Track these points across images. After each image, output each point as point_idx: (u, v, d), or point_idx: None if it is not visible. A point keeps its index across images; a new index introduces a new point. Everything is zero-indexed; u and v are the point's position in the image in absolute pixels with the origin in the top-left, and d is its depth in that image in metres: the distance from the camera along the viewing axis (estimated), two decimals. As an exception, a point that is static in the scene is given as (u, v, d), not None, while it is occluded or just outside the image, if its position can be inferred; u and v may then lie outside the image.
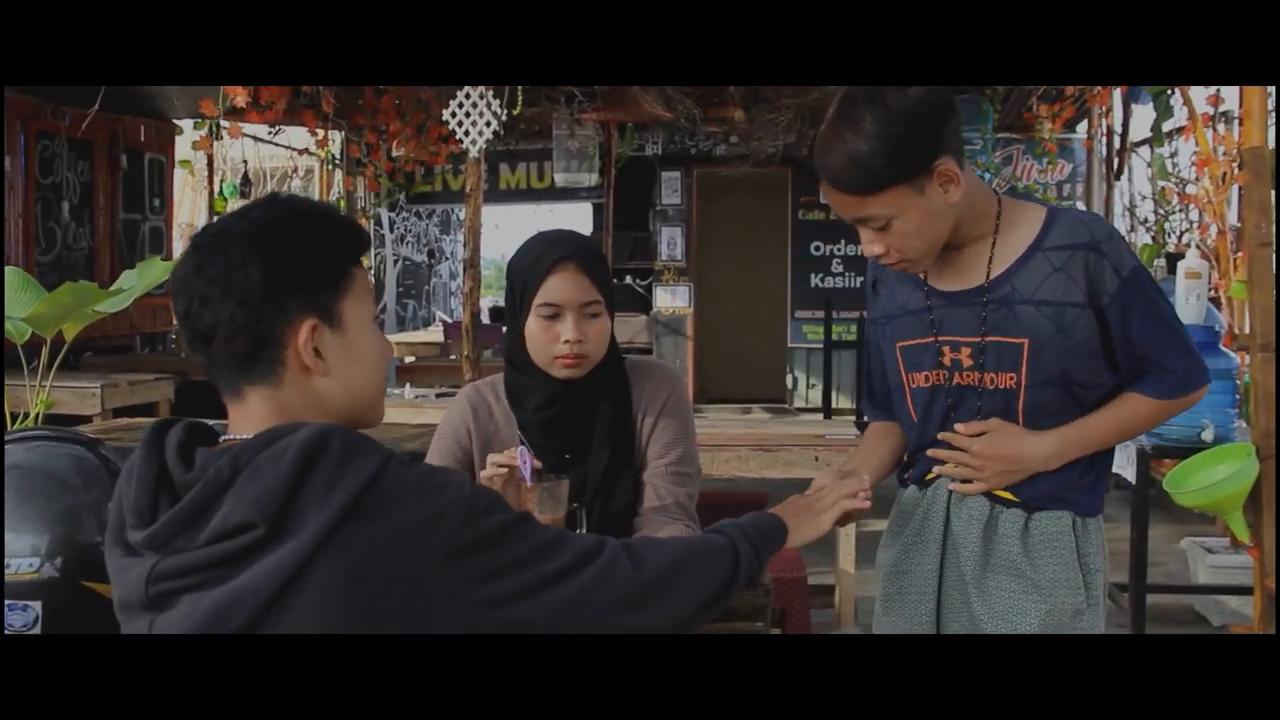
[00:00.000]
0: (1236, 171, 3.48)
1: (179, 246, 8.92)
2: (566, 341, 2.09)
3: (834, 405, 8.32)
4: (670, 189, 10.28)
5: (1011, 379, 1.87)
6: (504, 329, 2.23)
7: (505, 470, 2.03)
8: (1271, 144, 3.42)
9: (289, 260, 1.28)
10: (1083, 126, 8.57)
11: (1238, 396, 3.63)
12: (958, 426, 1.93)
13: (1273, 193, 3.30)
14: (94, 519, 1.69)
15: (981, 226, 1.89)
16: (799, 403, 10.37)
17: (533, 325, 2.11)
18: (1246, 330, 3.33)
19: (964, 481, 1.93)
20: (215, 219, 1.35)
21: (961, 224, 1.86)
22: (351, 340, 1.34)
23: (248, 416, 1.31)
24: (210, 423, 1.34)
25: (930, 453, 1.98)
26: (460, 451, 2.25)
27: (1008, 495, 1.91)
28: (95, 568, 1.65)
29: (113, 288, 2.34)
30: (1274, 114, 3.41)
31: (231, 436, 1.30)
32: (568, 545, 1.30)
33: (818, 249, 10.18)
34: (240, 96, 4.71)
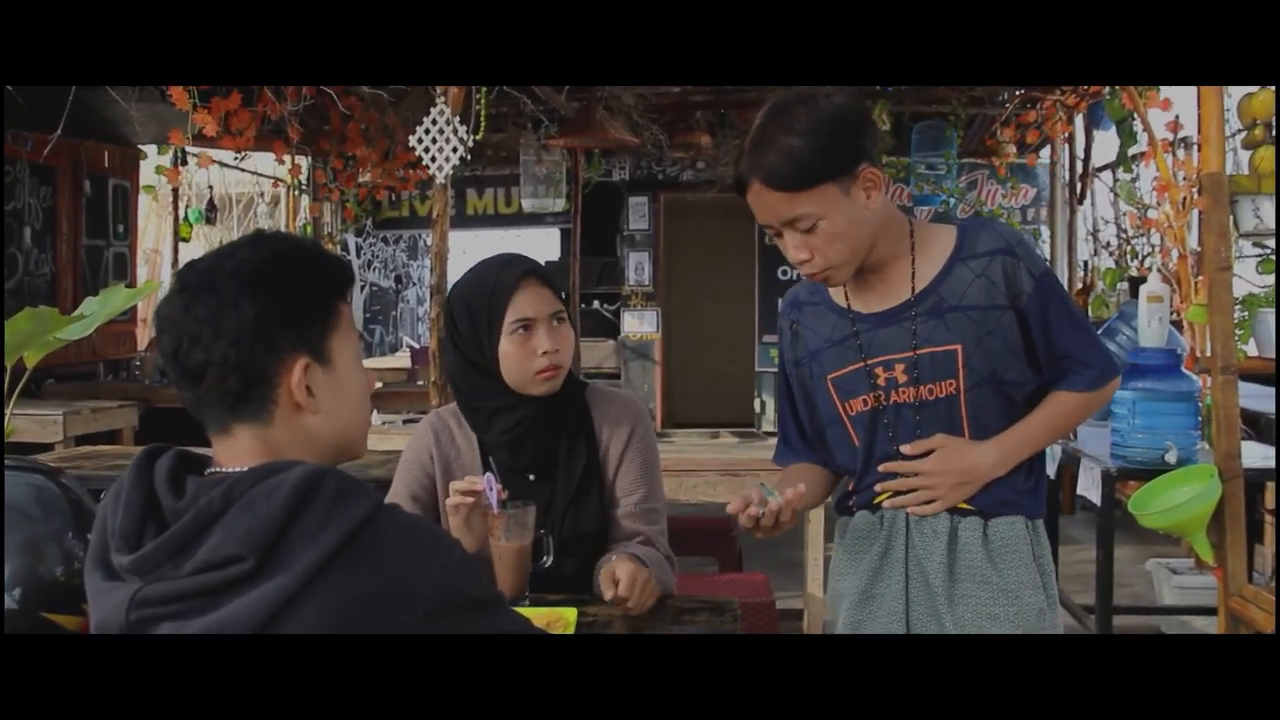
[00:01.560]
0: (1196, 196, 3.53)
1: (143, 273, 8.85)
2: (545, 353, 2.11)
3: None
4: (637, 214, 10.31)
5: (951, 385, 1.93)
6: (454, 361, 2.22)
7: (471, 499, 2.02)
8: (1230, 169, 3.46)
9: (281, 299, 1.29)
10: (1046, 152, 8.66)
11: (1200, 419, 3.66)
12: (903, 448, 1.97)
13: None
14: (55, 549, 1.67)
15: (897, 245, 1.97)
16: (767, 427, 10.38)
17: (507, 345, 2.11)
18: (1208, 353, 3.36)
19: (925, 503, 1.97)
20: (201, 257, 1.34)
21: (879, 240, 1.93)
22: (340, 377, 1.35)
23: (235, 452, 1.31)
24: (199, 451, 1.34)
25: (880, 486, 2.00)
26: (425, 477, 2.24)
27: (964, 504, 1.97)
28: (55, 598, 1.63)
29: (75, 314, 2.31)
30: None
31: (219, 470, 1.30)
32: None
33: (784, 273, 10.22)
34: (209, 125, 4.67)
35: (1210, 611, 3.91)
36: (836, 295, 2.04)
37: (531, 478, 2.17)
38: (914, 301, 1.94)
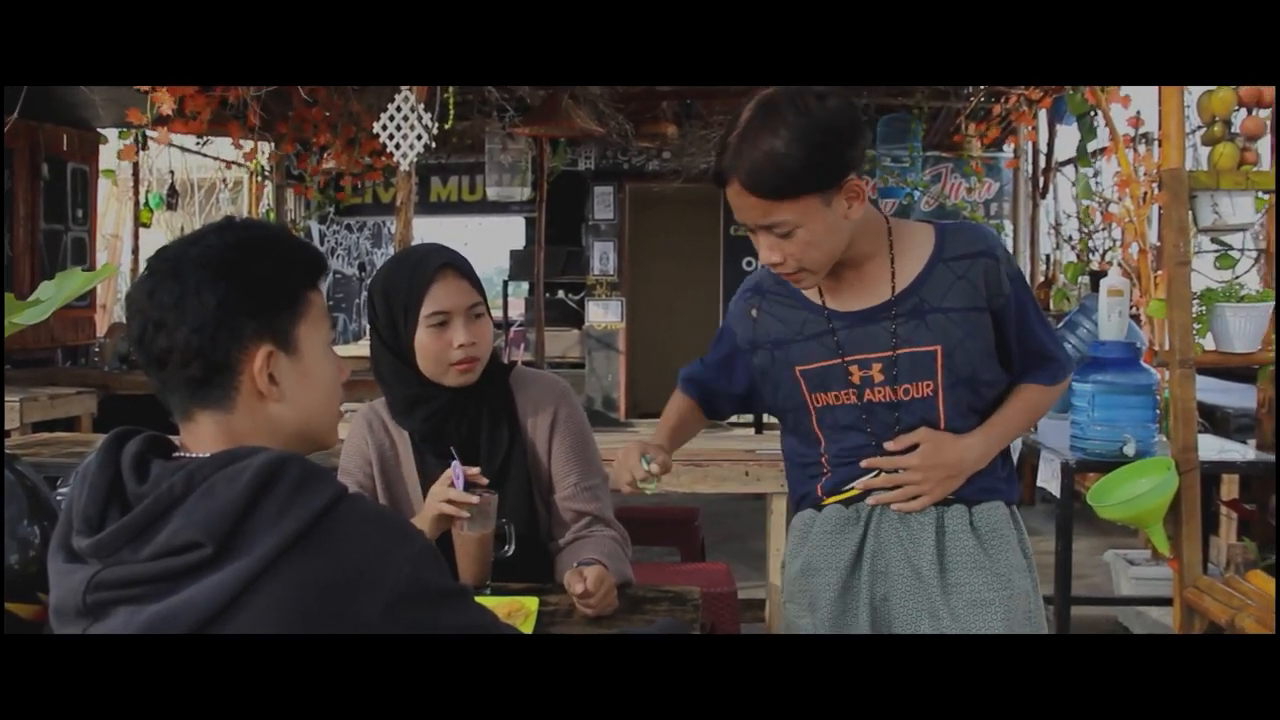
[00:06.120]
0: (1156, 191, 3.57)
1: (103, 258, 8.76)
2: (461, 346, 2.11)
3: (764, 421, 8.35)
4: (603, 203, 10.30)
5: (929, 386, 1.93)
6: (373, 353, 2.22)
7: (465, 514, 2.03)
8: (1190, 165, 3.50)
9: (243, 286, 1.28)
10: (1010, 146, 8.71)
11: (1158, 412, 3.70)
12: (886, 445, 1.96)
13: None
14: (10, 537, 1.65)
15: (875, 244, 1.95)
16: (730, 418, 10.40)
17: (424, 337, 2.11)
18: (1166, 347, 3.40)
19: (911, 499, 1.96)
20: (171, 243, 1.35)
21: (854, 241, 1.90)
22: (306, 365, 1.34)
23: (198, 438, 1.31)
24: (172, 438, 1.33)
25: (859, 482, 1.99)
26: (366, 464, 2.27)
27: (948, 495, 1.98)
28: (11, 587, 1.61)
29: (30, 299, 2.27)
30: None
31: (184, 455, 1.30)
32: (490, 634, 1.30)
33: (749, 265, 10.24)
34: (167, 104, 4.61)
35: (1166, 602, 3.96)
36: (810, 291, 2.01)
37: (455, 459, 2.16)
38: (894, 302, 1.94)
